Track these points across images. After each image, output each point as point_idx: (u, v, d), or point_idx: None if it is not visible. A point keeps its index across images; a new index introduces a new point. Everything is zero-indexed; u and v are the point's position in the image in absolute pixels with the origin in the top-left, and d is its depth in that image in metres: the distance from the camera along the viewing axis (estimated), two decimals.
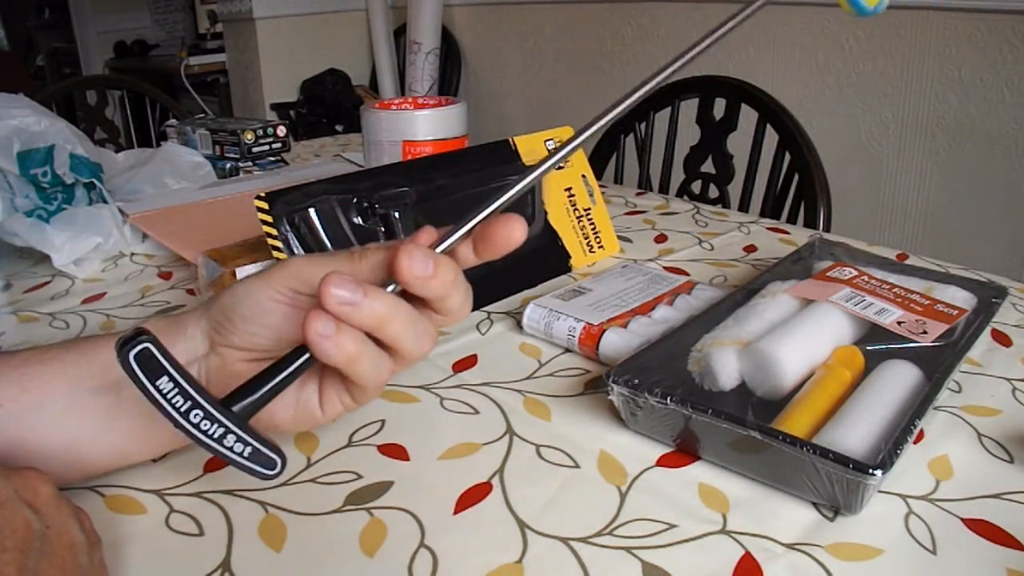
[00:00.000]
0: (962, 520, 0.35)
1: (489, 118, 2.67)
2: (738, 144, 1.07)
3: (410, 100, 0.76)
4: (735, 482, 0.38)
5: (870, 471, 0.33)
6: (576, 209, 0.69)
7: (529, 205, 0.65)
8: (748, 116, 1.05)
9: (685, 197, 1.07)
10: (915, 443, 0.41)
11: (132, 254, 0.74)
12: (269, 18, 2.60)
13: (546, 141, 0.68)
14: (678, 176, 1.14)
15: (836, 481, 0.34)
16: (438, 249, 0.33)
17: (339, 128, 2.57)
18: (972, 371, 0.48)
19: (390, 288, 0.33)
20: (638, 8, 2.12)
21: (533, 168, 0.34)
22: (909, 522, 0.35)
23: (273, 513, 0.37)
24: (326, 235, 0.53)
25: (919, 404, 0.38)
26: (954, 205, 1.61)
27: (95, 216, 0.71)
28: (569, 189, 0.69)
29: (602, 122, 0.34)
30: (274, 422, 0.35)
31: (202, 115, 1.32)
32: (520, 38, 2.51)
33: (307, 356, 0.32)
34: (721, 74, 1.10)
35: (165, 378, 0.30)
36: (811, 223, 0.94)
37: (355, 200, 0.55)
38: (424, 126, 0.70)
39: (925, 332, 0.45)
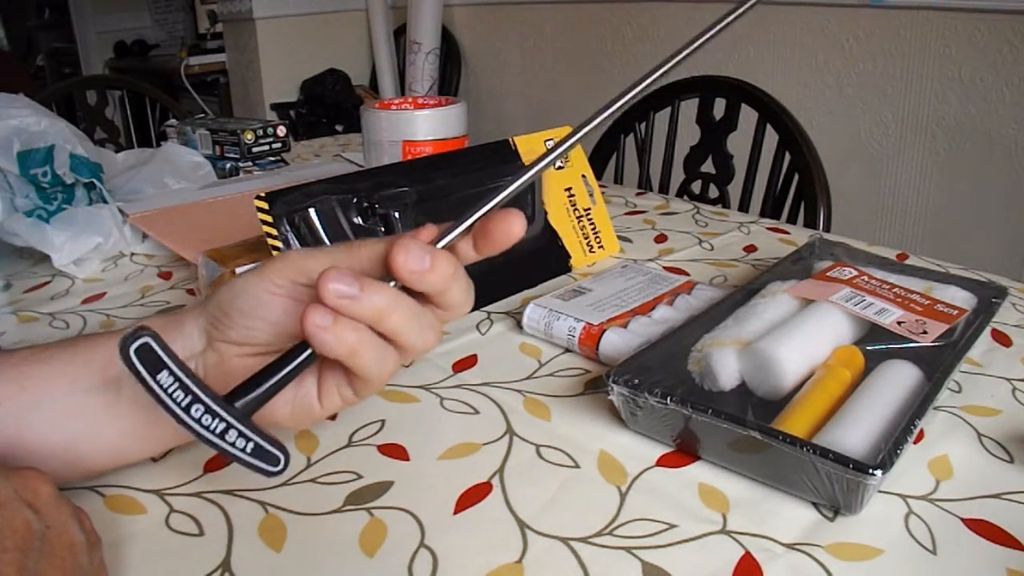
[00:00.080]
0: (962, 520, 0.35)
1: (489, 118, 2.67)
2: (738, 144, 1.07)
3: (410, 100, 0.76)
4: (735, 482, 0.38)
5: (870, 471, 0.33)
6: (576, 209, 0.69)
7: (529, 205, 0.65)
8: (748, 116, 1.05)
9: (685, 197, 1.07)
10: (915, 443, 0.41)
11: (132, 254, 0.74)
12: (269, 18, 2.60)
13: (546, 141, 0.68)
14: (678, 176, 1.14)
15: (836, 481, 0.34)
16: (438, 245, 0.34)
17: (339, 128, 2.57)
18: (972, 371, 0.48)
19: (392, 284, 0.33)
20: (638, 8, 2.12)
21: (532, 165, 0.34)
22: (909, 522, 0.35)
23: (273, 513, 0.37)
24: (326, 235, 0.53)
25: (919, 404, 0.38)
26: (954, 205, 1.61)
27: (95, 216, 0.71)
28: (569, 189, 0.69)
29: (602, 117, 0.34)
30: (273, 418, 0.35)
31: (202, 115, 1.32)
32: (520, 38, 2.51)
33: (309, 352, 0.32)
34: (721, 74, 1.10)
35: (165, 372, 0.30)
36: (811, 223, 0.94)
37: (355, 200, 0.55)
38: (424, 126, 0.70)
39: (925, 332, 0.45)
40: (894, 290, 0.49)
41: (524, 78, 2.55)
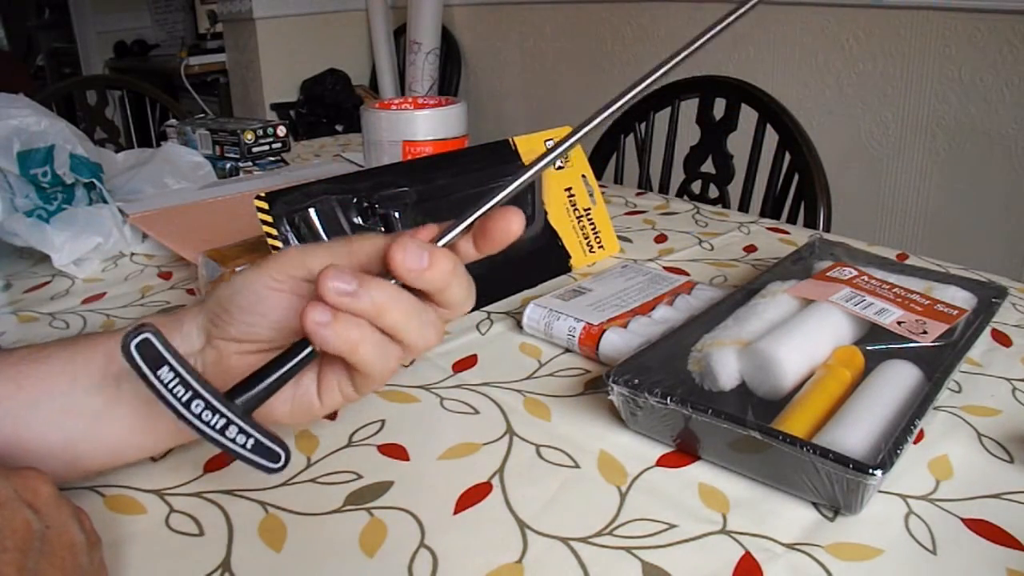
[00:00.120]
0: (962, 520, 0.35)
1: (489, 118, 2.67)
2: (738, 144, 1.07)
3: (410, 100, 0.76)
4: (735, 482, 0.38)
5: (870, 471, 0.33)
6: (576, 209, 0.69)
7: (529, 205, 0.65)
8: (748, 116, 1.05)
9: (685, 197, 1.07)
10: (915, 443, 0.41)
11: (132, 254, 0.74)
12: (269, 18, 2.60)
13: (546, 141, 0.68)
14: (678, 176, 1.14)
15: (836, 481, 0.34)
16: (438, 244, 0.34)
17: (339, 128, 2.57)
18: (972, 371, 0.48)
19: (392, 281, 0.33)
20: (638, 8, 2.12)
21: (532, 164, 0.34)
22: (909, 522, 0.35)
23: (273, 513, 0.37)
24: (326, 235, 0.53)
25: (919, 404, 0.38)
26: (954, 205, 1.61)
27: (95, 216, 0.71)
28: (569, 189, 0.69)
29: (602, 117, 0.34)
30: (273, 416, 0.35)
31: (202, 115, 1.32)
32: (520, 38, 2.51)
33: (310, 349, 0.32)
34: (721, 74, 1.09)
35: (166, 368, 0.30)
36: (811, 223, 0.94)
37: (355, 200, 0.55)
38: (424, 126, 0.70)
39: (925, 332, 0.45)
40: (894, 290, 0.49)
41: (524, 78, 2.55)
